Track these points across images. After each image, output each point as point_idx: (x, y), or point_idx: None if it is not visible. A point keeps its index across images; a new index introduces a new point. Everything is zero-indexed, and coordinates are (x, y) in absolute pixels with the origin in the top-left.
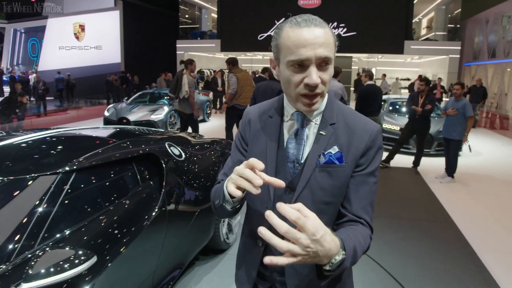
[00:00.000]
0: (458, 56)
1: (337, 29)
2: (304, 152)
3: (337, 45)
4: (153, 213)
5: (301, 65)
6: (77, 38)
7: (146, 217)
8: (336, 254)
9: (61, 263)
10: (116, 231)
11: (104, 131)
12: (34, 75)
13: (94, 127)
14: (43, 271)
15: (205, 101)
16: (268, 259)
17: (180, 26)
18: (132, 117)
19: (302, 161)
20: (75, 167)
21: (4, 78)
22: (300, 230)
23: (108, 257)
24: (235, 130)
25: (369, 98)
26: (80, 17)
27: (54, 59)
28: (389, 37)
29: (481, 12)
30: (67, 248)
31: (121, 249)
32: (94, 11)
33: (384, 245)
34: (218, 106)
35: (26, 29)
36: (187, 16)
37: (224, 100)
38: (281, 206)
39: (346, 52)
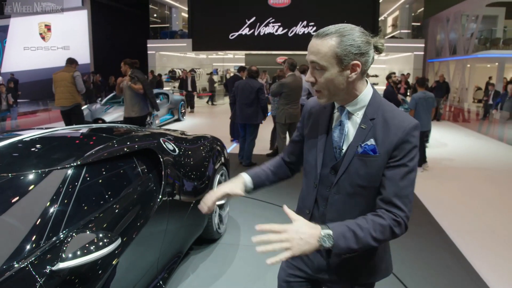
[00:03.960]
0: (422, 53)
1: (306, 28)
2: (345, 141)
3: (347, 54)
4: (157, 202)
5: None
6: (43, 38)
7: (151, 205)
8: (319, 233)
9: (87, 245)
10: (129, 218)
11: (99, 129)
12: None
13: (89, 126)
14: (75, 253)
15: (180, 100)
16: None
17: (151, 26)
18: (107, 118)
19: (343, 148)
20: (84, 161)
21: None
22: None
23: (126, 241)
24: None
25: None
26: (45, 17)
27: (18, 60)
28: None
29: (442, 11)
30: (91, 233)
31: (134, 235)
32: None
33: None
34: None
35: None
36: (155, 15)
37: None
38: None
39: None
